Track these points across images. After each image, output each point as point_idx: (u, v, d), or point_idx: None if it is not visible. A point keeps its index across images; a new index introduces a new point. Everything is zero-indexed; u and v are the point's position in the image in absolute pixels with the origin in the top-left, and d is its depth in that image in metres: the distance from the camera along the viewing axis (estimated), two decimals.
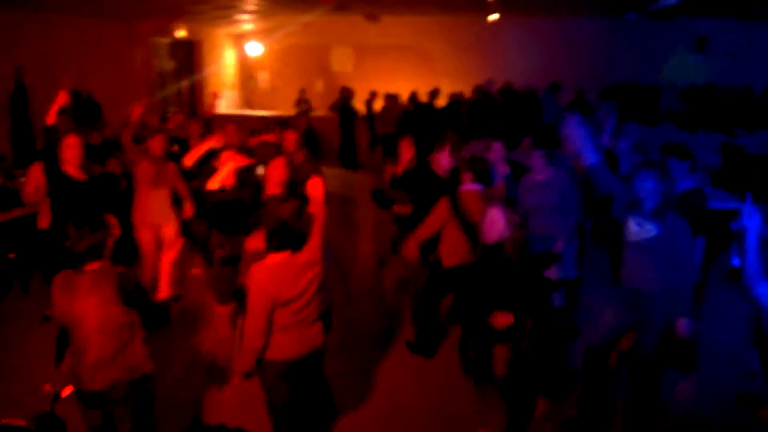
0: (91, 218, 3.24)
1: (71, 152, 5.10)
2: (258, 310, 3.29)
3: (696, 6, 10.46)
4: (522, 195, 5.56)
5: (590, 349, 4.23)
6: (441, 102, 13.94)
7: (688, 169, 4.91)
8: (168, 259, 5.83)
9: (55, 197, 5.13)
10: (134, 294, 3.18)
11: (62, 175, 5.13)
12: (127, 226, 5.52)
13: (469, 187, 4.86)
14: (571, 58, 14.25)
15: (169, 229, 5.94)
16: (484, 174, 4.89)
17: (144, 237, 5.88)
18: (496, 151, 6.10)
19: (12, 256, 6.80)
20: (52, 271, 3.38)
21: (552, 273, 4.92)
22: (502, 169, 5.93)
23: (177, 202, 6.14)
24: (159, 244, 5.89)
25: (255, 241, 3.79)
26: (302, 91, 15.11)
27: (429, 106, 13.78)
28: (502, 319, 3.82)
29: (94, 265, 3.15)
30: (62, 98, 5.35)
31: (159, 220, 5.93)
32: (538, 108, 12.96)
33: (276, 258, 3.38)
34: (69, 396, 3.31)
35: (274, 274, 3.31)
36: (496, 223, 3.90)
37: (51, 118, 5.31)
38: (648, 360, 3.93)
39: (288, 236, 3.37)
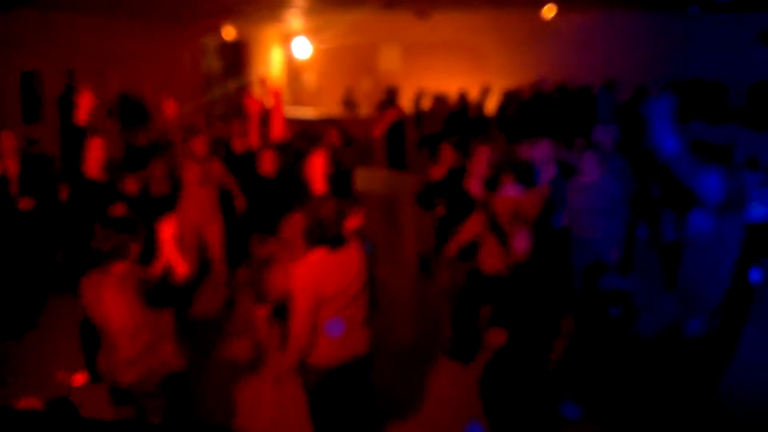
0: (117, 219, 3.29)
1: (95, 154, 5.20)
2: (302, 308, 3.23)
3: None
4: (570, 196, 5.38)
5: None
6: (492, 101, 13.62)
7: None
8: (215, 257, 5.84)
9: (75, 198, 5.25)
10: (159, 295, 3.24)
11: (82, 177, 5.22)
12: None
13: (507, 191, 4.76)
14: (628, 54, 13.71)
15: (213, 229, 5.91)
16: (525, 175, 4.83)
17: (186, 236, 5.82)
18: (542, 150, 5.81)
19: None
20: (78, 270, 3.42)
21: (609, 281, 4.63)
22: (549, 170, 5.63)
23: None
24: (203, 244, 5.92)
25: (264, 248, 3.72)
26: (348, 91, 15.02)
27: (477, 107, 13.48)
28: (496, 337, 3.78)
29: (118, 267, 3.16)
30: (87, 99, 5.37)
31: (204, 220, 5.88)
32: (593, 106, 12.50)
33: (315, 255, 3.32)
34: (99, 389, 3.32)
35: (314, 272, 3.26)
36: (521, 241, 3.89)
37: (81, 118, 5.32)
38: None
39: (325, 233, 3.31)
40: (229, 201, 6.33)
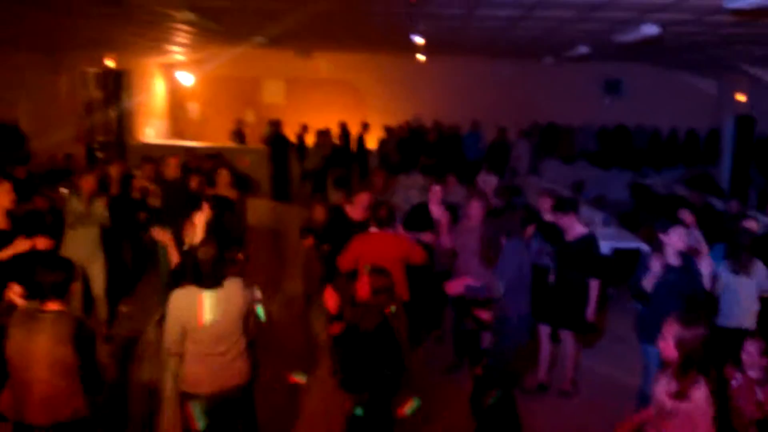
0: (51, 259, 3.46)
1: (4, 199, 4.90)
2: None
3: (607, 52, 11.29)
4: (457, 237, 5.96)
5: None
6: (371, 136, 14.37)
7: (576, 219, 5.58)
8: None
9: None
10: (88, 341, 3.33)
11: None
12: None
13: (372, 231, 5.31)
14: (494, 97, 14.97)
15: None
16: (386, 220, 5.30)
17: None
18: (435, 194, 6.47)
19: None
20: None
21: (484, 315, 5.08)
22: (438, 212, 6.29)
23: None
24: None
25: None
26: (239, 122, 15.24)
27: (358, 142, 14.18)
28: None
29: (54, 305, 3.29)
30: None
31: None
32: (460, 145, 13.57)
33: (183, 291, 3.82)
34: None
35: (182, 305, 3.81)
36: (362, 286, 3.92)
37: None
38: None
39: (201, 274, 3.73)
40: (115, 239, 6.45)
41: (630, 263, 7.46)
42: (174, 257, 4.51)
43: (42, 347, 3.24)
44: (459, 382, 5.70)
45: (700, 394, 3.09)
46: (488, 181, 7.18)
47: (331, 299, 3.83)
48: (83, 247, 6.03)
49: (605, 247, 7.53)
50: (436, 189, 6.45)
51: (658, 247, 4.82)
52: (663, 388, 3.22)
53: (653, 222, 9.06)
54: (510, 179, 10.95)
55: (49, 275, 3.30)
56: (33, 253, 4.63)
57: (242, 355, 3.80)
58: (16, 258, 4.58)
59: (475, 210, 5.82)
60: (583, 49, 10.75)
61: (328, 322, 3.92)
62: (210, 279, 3.66)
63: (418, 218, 6.36)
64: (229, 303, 3.70)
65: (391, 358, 3.75)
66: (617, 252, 7.50)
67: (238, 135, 15.19)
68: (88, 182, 6.13)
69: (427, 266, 5.91)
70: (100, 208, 6.18)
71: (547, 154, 14.57)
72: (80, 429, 3.38)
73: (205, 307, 3.62)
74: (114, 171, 7.68)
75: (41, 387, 3.25)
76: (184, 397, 3.73)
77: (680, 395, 3.12)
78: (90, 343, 3.36)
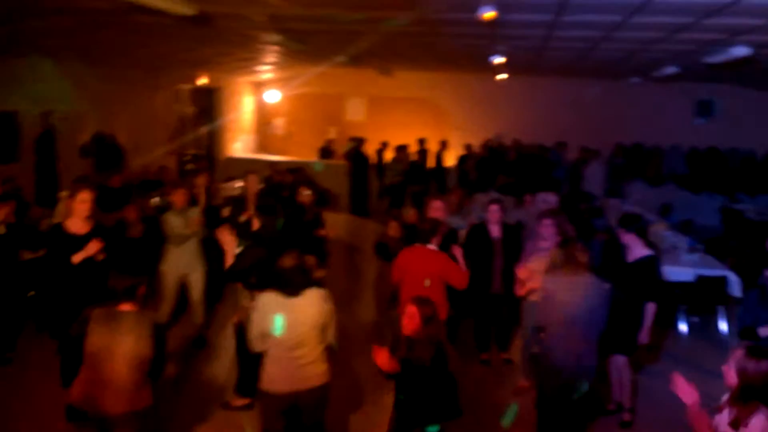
0: (133, 264, 3.82)
1: (81, 207, 5.17)
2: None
3: (697, 72, 10.90)
4: (526, 259, 5.74)
5: None
6: (450, 154, 14.42)
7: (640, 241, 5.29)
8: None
9: (53, 250, 5.23)
10: (161, 338, 3.65)
11: (61, 230, 5.18)
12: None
13: (416, 247, 5.27)
14: (577, 117, 14.71)
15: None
16: (425, 234, 5.28)
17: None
18: (493, 213, 6.38)
19: (31, 294, 7.19)
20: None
21: None
22: (496, 232, 6.23)
23: None
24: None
25: None
26: (327, 140, 15.70)
27: (436, 159, 14.24)
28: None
29: (128, 306, 3.59)
30: None
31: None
32: (545, 163, 13.34)
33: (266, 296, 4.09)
34: None
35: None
36: (412, 318, 3.87)
37: None
38: None
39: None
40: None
41: (714, 291, 7.19)
42: (229, 259, 4.76)
43: (123, 344, 3.53)
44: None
45: (758, 423, 2.97)
46: (547, 200, 6.96)
47: (380, 358, 3.82)
48: (184, 258, 6.36)
49: (689, 273, 7.27)
50: (494, 208, 6.35)
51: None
52: (725, 418, 3.12)
53: (743, 250, 8.69)
54: (587, 201, 10.69)
55: (121, 280, 3.61)
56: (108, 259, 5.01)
57: (317, 361, 3.96)
58: (90, 262, 4.95)
59: (546, 229, 5.66)
60: (671, 69, 10.44)
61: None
62: (290, 286, 3.88)
63: (476, 238, 6.29)
64: (308, 311, 3.90)
65: (448, 389, 3.80)
66: (701, 279, 7.19)
67: (326, 152, 15.58)
68: (179, 196, 6.45)
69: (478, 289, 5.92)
70: (195, 221, 6.49)
71: (633, 175, 14.12)
72: (147, 416, 3.67)
73: (283, 314, 3.83)
74: (201, 182, 8.07)
75: (120, 380, 3.53)
76: (261, 395, 3.97)
77: (736, 424, 3.02)
78: (163, 340, 3.68)
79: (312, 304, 3.94)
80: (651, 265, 5.22)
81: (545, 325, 4.54)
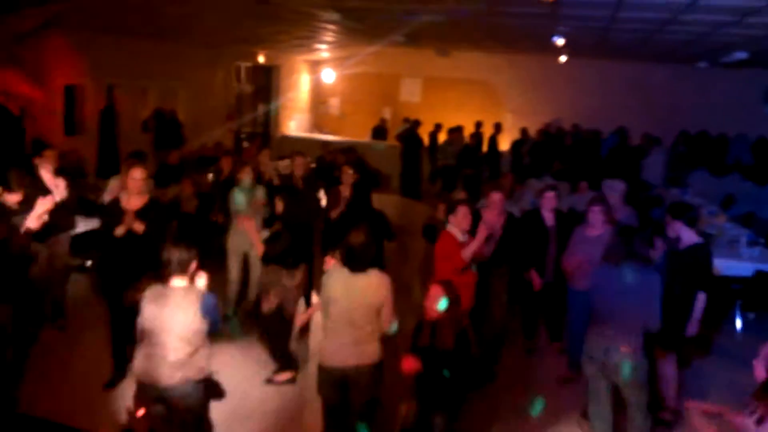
0: (187, 238, 3.84)
1: (134, 183, 5.25)
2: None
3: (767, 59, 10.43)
4: (573, 247, 5.63)
5: None
6: (506, 137, 14.21)
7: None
8: None
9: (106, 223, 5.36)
10: (212, 311, 3.72)
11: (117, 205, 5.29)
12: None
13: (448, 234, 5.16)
14: (639, 102, 14.25)
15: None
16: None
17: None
18: (548, 200, 6.21)
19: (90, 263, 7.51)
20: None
21: None
22: (550, 219, 6.11)
23: None
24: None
25: None
26: (381, 119, 15.70)
27: (490, 142, 14.02)
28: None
29: (179, 280, 3.67)
30: None
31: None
32: (599, 150, 13.01)
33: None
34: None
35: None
36: (433, 299, 3.91)
37: None
38: None
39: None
40: None
41: None
42: (258, 246, 4.95)
43: (173, 320, 3.63)
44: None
45: None
46: (614, 187, 6.71)
47: (408, 364, 3.85)
48: (246, 235, 6.42)
49: (748, 268, 6.98)
50: (550, 195, 6.20)
51: None
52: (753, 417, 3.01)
53: None
54: (647, 190, 10.39)
55: (175, 253, 3.67)
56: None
57: (370, 341, 4.02)
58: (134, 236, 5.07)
59: (595, 216, 5.52)
60: (740, 55, 10.01)
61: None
62: (358, 263, 3.96)
63: (530, 225, 6.14)
64: (368, 291, 3.98)
65: (469, 374, 3.84)
66: (760, 274, 6.91)
67: (380, 131, 15.58)
68: (245, 173, 6.51)
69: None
70: (260, 200, 6.58)
71: (696, 165, 13.61)
72: (204, 386, 3.79)
73: (345, 290, 3.95)
74: (265, 159, 8.16)
75: (174, 354, 3.63)
76: (318, 368, 4.08)
77: (761, 420, 2.88)
78: (214, 312, 3.73)
79: (371, 284, 4.00)
80: (702, 252, 5.01)
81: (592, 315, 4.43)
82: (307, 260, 6.07)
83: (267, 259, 5.33)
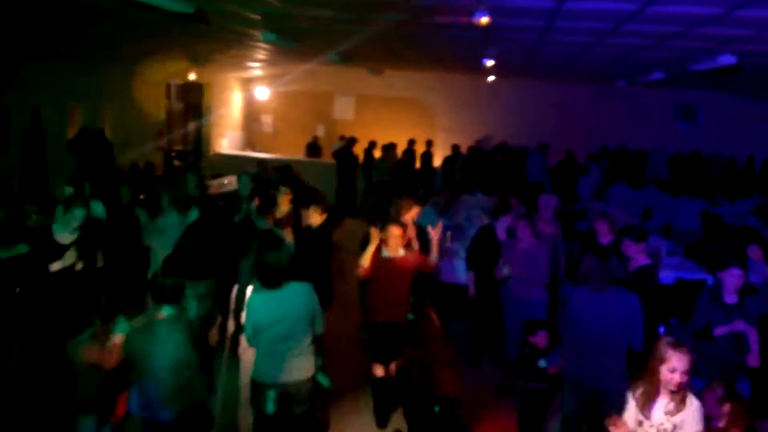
0: (180, 262, 3.90)
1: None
2: None
3: (683, 79, 11.10)
4: (504, 260, 6.00)
5: None
6: (437, 153, 14.53)
7: (642, 249, 5.41)
8: None
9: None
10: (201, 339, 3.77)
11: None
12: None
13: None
14: (563, 120, 14.91)
15: None
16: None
17: None
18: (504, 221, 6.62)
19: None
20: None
21: (539, 339, 5.12)
22: (503, 235, 6.39)
23: None
24: None
25: None
26: (315, 137, 15.74)
27: (424, 159, 14.33)
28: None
29: (162, 313, 3.62)
30: None
31: None
32: (524, 166, 13.53)
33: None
34: None
35: None
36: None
37: None
38: None
39: None
40: None
41: (693, 294, 7.34)
42: None
43: (162, 352, 3.59)
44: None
45: (694, 405, 3.34)
46: (549, 201, 7.12)
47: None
48: None
49: (669, 276, 7.41)
50: (504, 217, 6.60)
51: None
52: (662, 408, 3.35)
53: (720, 254, 8.87)
54: (574, 203, 10.86)
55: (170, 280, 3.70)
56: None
57: (306, 353, 4.11)
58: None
59: (523, 231, 5.91)
60: (657, 75, 10.62)
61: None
62: (269, 281, 4.02)
63: (484, 243, 6.43)
64: (292, 304, 4.04)
65: None
66: (681, 282, 7.35)
67: (313, 148, 15.62)
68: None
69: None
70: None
71: (615, 179, 14.30)
72: (202, 410, 3.81)
73: (271, 307, 3.99)
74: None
75: (166, 385, 3.61)
76: (254, 385, 4.12)
77: (672, 412, 3.32)
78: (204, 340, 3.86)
79: (297, 296, 4.08)
80: (648, 274, 5.37)
81: (569, 338, 4.52)
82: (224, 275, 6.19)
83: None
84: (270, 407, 4.05)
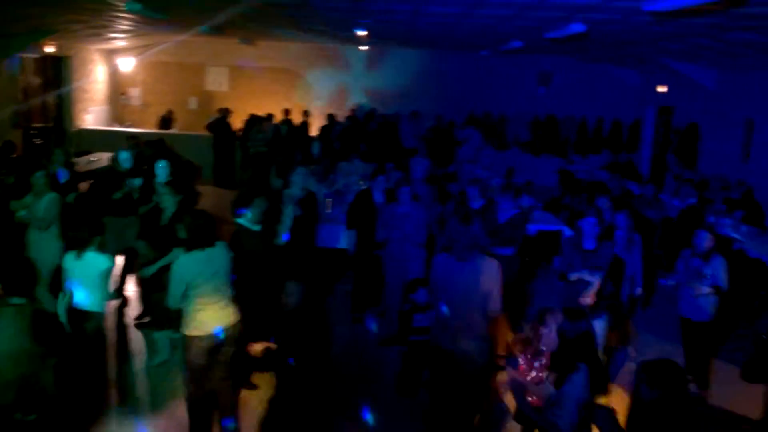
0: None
1: None
2: None
3: (540, 46, 11.96)
4: (384, 222, 6.35)
5: None
6: (314, 123, 14.70)
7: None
8: None
9: None
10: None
11: None
12: None
13: None
14: (435, 86, 15.59)
15: None
16: None
17: None
18: (379, 182, 7.00)
19: None
20: None
21: (419, 296, 5.51)
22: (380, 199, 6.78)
23: None
24: None
25: None
26: (168, 110, 15.37)
27: (301, 128, 14.47)
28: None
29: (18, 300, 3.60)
30: None
31: None
32: (398, 133, 14.09)
33: None
34: None
35: None
36: None
37: None
38: None
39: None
40: None
41: (552, 244, 8.17)
42: None
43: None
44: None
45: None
46: (420, 163, 7.48)
47: None
48: None
49: (531, 229, 8.17)
50: (381, 179, 6.92)
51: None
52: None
53: (574, 206, 9.82)
54: (446, 167, 11.49)
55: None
56: None
57: (230, 303, 4.55)
58: None
59: (404, 195, 6.27)
60: (516, 44, 11.37)
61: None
62: (199, 243, 4.39)
63: (362, 205, 6.77)
64: (220, 260, 4.48)
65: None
66: (541, 233, 8.15)
67: (166, 121, 15.31)
68: None
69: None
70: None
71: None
72: (52, 404, 3.72)
73: (199, 265, 4.35)
74: None
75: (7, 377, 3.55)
76: (191, 339, 4.41)
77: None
78: (57, 330, 3.77)
79: (221, 252, 4.50)
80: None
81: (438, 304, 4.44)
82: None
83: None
84: (206, 356, 4.40)
